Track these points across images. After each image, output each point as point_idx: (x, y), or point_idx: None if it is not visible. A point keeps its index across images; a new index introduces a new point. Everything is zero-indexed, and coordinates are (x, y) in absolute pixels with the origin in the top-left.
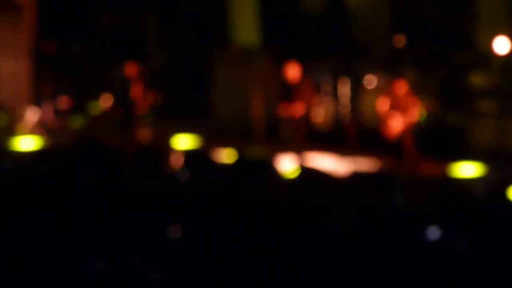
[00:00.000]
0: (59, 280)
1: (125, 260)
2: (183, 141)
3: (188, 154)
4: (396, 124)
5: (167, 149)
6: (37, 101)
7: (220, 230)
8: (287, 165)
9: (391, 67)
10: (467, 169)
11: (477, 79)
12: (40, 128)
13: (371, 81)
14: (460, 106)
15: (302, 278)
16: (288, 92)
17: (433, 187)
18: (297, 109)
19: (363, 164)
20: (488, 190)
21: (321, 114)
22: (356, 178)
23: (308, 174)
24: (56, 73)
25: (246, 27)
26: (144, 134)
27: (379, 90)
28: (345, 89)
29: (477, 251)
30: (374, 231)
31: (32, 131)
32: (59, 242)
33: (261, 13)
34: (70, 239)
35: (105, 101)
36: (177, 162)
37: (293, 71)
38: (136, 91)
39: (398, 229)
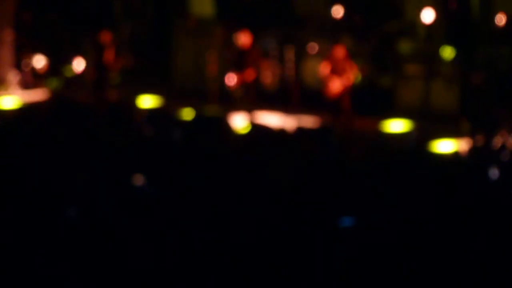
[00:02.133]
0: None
1: (96, 205)
2: (148, 101)
3: (152, 111)
4: (335, 86)
5: (134, 107)
6: (18, 65)
7: (179, 178)
8: (239, 122)
9: (330, 35)
10: (395, 125)
11: (405, 46)
12: (21, 88)
13: (312, 48)
14: (390, 70)
15: (248, 219)
16: (240, 57)
17: (366, 141)
18: (247, 72)
19: (306, 121)
20: (414, 143)
21: (268, 77)
22: (299, 133)
23: (257, 130)
24: (35, 40)
25: (202, 0)
26: (113, 94)
27: (320, 56)
28: (289, 55)
29: (404, 195)
30: (314, 179)
31: (13, 91)
32: (37, 190)
33: None
34: (47, 187)
35: (78, 65)
36: (142, 118)
37: (243, 39)
38: (107, 55)
39: (335, 178)
